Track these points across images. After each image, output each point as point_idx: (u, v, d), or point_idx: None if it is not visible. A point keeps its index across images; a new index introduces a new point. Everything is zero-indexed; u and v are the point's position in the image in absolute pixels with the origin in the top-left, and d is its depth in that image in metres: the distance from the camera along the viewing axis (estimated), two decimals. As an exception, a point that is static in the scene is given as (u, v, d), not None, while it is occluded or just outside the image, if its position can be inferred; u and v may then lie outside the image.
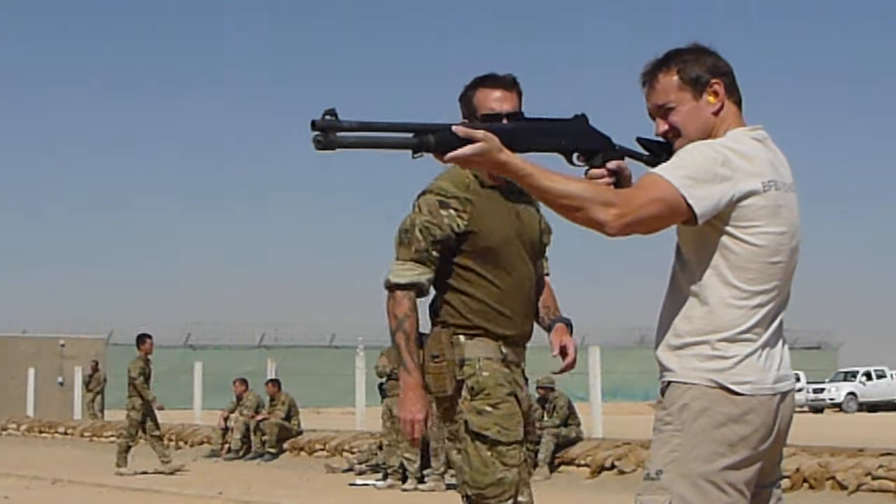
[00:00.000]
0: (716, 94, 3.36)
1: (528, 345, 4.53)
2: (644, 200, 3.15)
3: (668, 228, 3.40)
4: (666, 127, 3.39)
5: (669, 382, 3.29)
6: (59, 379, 39.92)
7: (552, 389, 16.33)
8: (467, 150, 3.15)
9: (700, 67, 3.36)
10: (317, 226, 73.31)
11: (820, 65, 72.43)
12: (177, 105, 70.53)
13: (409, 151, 3.21)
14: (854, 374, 47.45)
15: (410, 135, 3.20)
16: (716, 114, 3.36)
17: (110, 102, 69.46)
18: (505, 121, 3.82)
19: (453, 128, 3.17)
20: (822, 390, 45.99)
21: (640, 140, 3.51)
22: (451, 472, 14.36)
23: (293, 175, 73.26)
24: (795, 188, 3.38)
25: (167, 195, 71.37)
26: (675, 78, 3.36)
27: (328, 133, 3.12)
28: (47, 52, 68.74)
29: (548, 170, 3.18)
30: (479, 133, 3.15)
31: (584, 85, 63.28)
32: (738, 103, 3.42)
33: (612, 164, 3.44)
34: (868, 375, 47.12)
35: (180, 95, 70.82)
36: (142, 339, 18.16)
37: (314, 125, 3.11)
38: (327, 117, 3.11)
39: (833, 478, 12.52)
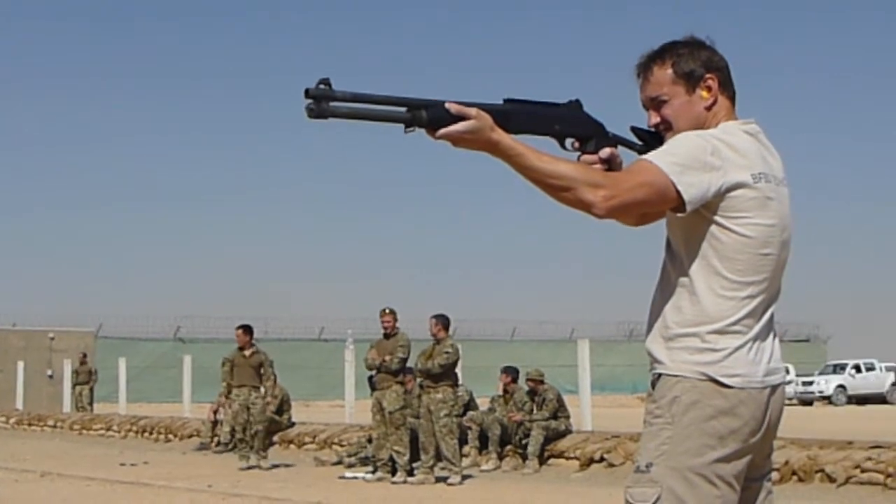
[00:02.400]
0: (709, 89, 3.36)
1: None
2: (633, 184, 3.15)
3: (656, 219, 3.41)
4: (658, 119, 3.40)
5: (660, 375, 3.28)
6: (49, 372, 39.89)
7: (542, 382, 16.35)
8: (459, 126, 3.14)
9: (695, 62, 3.36)
10: (306, 220, 73.27)
11: (802, 59, 72.50)
12: (166, 98, 70.41)
13: (402, 126, 3.18)
14: (843, 367, 47.52)
15: (403, 109, 3.18)
16: (708, 109, 3.36)
17: (100, 95, 69.30)
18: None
19: (446, 104, 3.16)
20: (811, 383, 46.05)
21: (633, 129, 3.51)
22: (441, 464, 14.40)
23: (282, 169, 73.23)
24: (787, 183, 3.38)
25: (157, 189, 71.25)
26: (670, 71, 3.36)
27: (321, 102, 3.09)
28: (37, 46, 68.56)
29: (539, 150, 3.18)
30: (472, 111, 3.15)
31: (578, 73, 63.22)
32: (732, 98, 3.42)
33: (604, 152, 3.43)
34: (857, 368, 47.20)
35: (172, 89, 70.72)
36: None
37: (307, 93, 3.08)
38: (321, 86, 3.09)
39: (822, 470, 12.56)
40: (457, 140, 3.17)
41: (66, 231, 69.87)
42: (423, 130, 3.18)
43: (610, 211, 3.14)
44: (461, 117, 3.14)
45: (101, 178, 70.72)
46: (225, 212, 71.53)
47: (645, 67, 3.41)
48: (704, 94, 3.36)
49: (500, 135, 3.16)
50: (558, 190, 3.13)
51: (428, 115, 3.16)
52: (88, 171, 70.45)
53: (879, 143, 73.58)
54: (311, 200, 73.13)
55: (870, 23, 70.63)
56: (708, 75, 3.36)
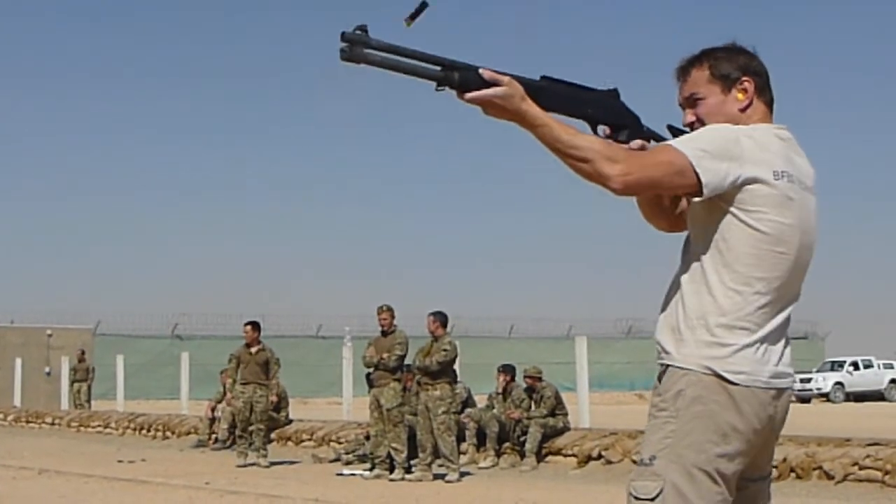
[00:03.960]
0: (745, 91, 3.40)
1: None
2: (652, 161, 3.20)
3: (673, 208, 3.45)
4: (693, 118, 3.44)
5: (667, 367, 3.29)
6: (46, 369, 39.90)
7: (540, 379, 16.34)
8: (491, 91, 3.17)
9: (731, 65, 3.42)
10: (303, 217, 73.27)
11: (802, 57, 72.56)
12: (161, 95, 70.35)
13: (433, 84, 3.18)
14: (841, 364, 47.54)
15: (437, 67, 3.18)
16: (742, 110, 3.40)
17: (96, 90, 69.29)
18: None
19: (480, 70, 3.18)
20: (809, 380, 46.04)
21: (669, 127, 3.55)
22: (439, 461, 14.40)
23: (280, 167, 73.19)
24: (815, 192, 3.40)
25: (155, 186, 71.22)
26: (707, 72, 3.42)
27: (355, 46, 3.08)
28: (36, 43, 68.55)
29: (565, 124, 3.21)
30: (505, 79, 3.19)
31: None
32: (769, 104, 3.46)
33: (635, 143, 3.45)
34: (855, 365, 47.23)
35: (171, 87, 70.68)
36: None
37: (343, 36, 3.07)
38: (357, 32, 3.08)
39: (820, 467, 12.56)
40: (486, 104, 3.20)
41: (64, 228, 69.89)
42: (454, 92, 3.18)
43: (626, 186, 3.16)
44: (493, 84, 3.17)
45: (99, 176, 70.71)
46: (223, 209, 71.52)
47: (683, 70, 3.47)
48: (740, 95, 3.40)
49: (529, 105, 3.19)
50: (577, 160, 3.16)
51: (460, 78, 3.17)
52: (87, 168, 70.43)
53: (878, 141, 73.66)
54: (308, 198, 73.18)
55: (870, 22, 70.69)
56: (744, 78, 3.41)
